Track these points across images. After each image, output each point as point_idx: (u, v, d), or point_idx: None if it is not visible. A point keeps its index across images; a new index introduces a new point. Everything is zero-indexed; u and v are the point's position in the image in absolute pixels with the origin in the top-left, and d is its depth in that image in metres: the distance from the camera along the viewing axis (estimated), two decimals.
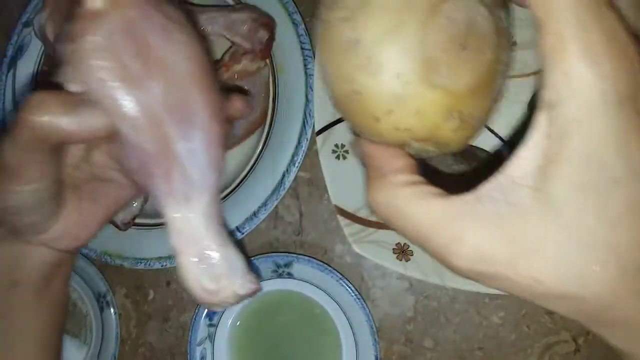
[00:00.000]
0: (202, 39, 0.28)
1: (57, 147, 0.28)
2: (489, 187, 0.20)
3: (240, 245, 0.29)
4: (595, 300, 0.19)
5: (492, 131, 0.42)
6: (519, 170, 0.19)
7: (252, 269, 0.30)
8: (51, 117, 0.25)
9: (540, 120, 0.19)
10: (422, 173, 0.24)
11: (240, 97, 0.31)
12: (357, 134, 0.26)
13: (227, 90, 0.31)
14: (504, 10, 0.23)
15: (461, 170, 0.38)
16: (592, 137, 0.18)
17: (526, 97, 0.41)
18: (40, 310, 0.33)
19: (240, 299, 0.29)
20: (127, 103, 0.25)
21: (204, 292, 0.28)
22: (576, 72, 0.18)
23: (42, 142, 0.26)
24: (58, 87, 0.27)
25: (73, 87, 0.27)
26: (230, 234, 0.29)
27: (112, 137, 0.26)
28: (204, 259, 0.28)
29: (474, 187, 0.21)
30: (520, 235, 0.19)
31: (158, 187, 0.27)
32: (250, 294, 0.29)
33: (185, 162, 0.27)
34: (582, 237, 0.19)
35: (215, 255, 0.28)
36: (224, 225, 0.29)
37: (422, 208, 0.22)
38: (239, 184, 0.45)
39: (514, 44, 0.31)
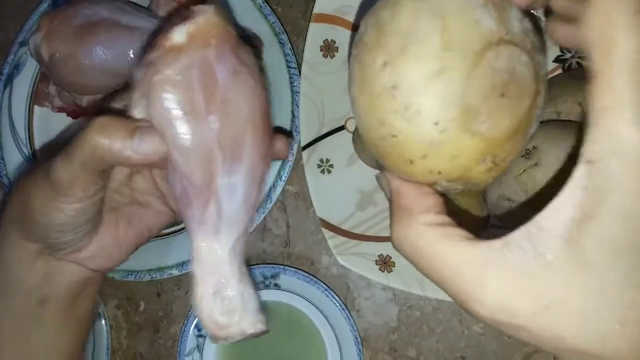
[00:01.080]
0: (265, 88, 0.30)
1: (109, 169, 0.30)
2: (518, 236, 0.20)
3: (255, 285, 0.30)
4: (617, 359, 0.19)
5: None
6: (552, 221, 0.19)
7: (264, 310, 0.30)
8: (112, 140, 0.27)
9: (579, 173, 0.19)
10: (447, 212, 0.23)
11: (283, 138, 0.32)
12: (381, 167, 0.26)
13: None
14: (543, 55, 0.23)
15: (454, 190, 0.39)
16: (632, 197, 0.18)
17: None
18: (67, 327, 0.34)
19: (246, 337, 0.29)
20: (186, 134, 0.27)
21: (214, 324, 0.29)
22: (624, 133, 0.18)
23: (98, 163, 0.28)
24: (118, 112, 0.29)
25: (136, 113, 0.28)
26: (250, 273, 0.30)
27: (162, 164, 0.28)
28: (221, 291, 0.28)
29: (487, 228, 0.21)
30: (545, 288, 0.19)
31: (193, 215, 0.28)
32: (257, 335, 0.30)
33: (223, 196, 0.28)
34: (609, 295, 0.18)
35: (232, 290, 0.28)
36: (246, 263, 0.30)
37: (448, 250, 0.22)
38: None
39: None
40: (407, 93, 0.21)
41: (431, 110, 0.21)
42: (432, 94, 0.21)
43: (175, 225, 0.47)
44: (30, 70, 0.50)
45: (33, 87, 0.50)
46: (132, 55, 0.42)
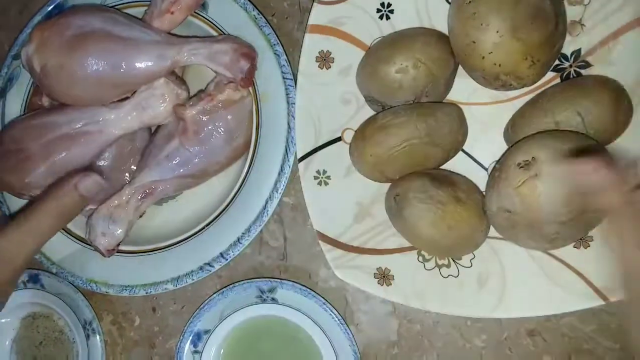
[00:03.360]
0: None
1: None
2: None
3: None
4: None
5: (470, 156, 0.43)
6: None
7: None
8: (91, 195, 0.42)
9: None
10: None
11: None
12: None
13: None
14: (561, 4, 0.38)
15: (439, 195, 0.39)
16: None
17: (502, 123, 0.42)
18: None
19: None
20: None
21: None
22: None
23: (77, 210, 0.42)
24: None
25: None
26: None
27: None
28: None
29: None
30: None
31: None
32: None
33: None
34: None
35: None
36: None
37: None
38: (223, 210, 0.46)
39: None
40: (482, 16, 0.36)
41: (494, 24, 0.36)
42: (496, 17, 0.36)
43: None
44: (23, 83, 0.49)
45: (27, 100, 0.49)
46: (124, 66, 0.41)
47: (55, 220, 0.41)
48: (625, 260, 0.28)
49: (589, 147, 0.35)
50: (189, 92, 0.46)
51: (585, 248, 0.40)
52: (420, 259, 0.43)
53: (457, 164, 0.43)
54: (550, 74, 0.41)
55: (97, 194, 0.42)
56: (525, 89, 0.40)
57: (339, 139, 0.44)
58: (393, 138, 0.39)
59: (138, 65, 0.42)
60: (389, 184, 0.42)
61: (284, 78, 0.44)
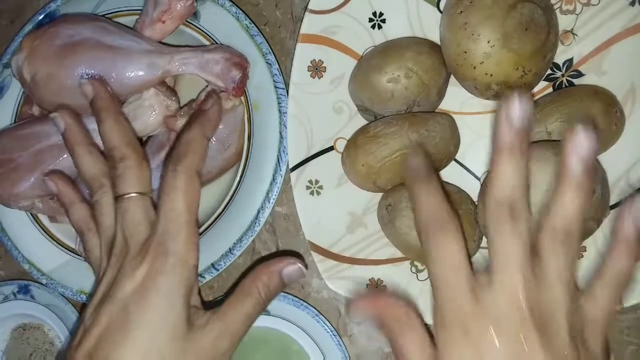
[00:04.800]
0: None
1: None
2: None
3: None
4: None
5: (462, 165, 0.43)
6: None
7: None
8: None
9: None
10: None
11: None
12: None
13: None
14: (553, 13, 0.38)
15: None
16: None
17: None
18: None
19: None
20: None
21: None
22: None
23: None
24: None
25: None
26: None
27: None
28: None
29: None
30: None
31: None
32: None
33: None
34: None
35: None
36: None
37: None
38: (214, 220, 0.45)
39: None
40: (473, 26, 0.36)
41: (486, 34, 0.36)
42: (487, 26, 0.36)
43: None
44: (14, 92, 0.49)
45: (17, 109, 0.49)
46: (114, 76, 0.41)
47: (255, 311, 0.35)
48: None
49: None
50: (179, 103, 0.46)
51: (579, 258, 0.39)
52: (413, 269, 0.42)
53: (449, 174, 0.42)
54: (542, 84, 0.41)
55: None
56: None
57: (331, 149, 0.44)
58: (385, 148, 0.39)
59: (128, 74, 0.42)
60: (382, 193, 0.42)
61: (275, 87, 0.44)
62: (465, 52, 0.36)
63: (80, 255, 0.46)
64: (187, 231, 0.34)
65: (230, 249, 0.44)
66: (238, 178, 0.45)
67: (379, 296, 0.30)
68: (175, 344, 0.32)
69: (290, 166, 0.43)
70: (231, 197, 0.45)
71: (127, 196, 0.35)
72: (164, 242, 0.33)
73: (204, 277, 0.45)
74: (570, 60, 0.41)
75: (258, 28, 0.45)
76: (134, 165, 0.36)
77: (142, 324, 0.31)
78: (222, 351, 0.34)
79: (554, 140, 0.37)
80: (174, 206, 0.34)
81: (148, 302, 0.32)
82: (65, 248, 0.48)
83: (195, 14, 0.46)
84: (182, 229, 0.33)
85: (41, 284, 0.50)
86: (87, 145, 0.39)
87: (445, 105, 0.43)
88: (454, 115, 0.42)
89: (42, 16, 0.49)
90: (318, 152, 0.44)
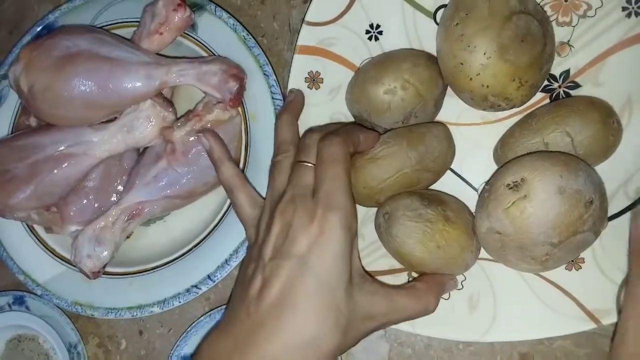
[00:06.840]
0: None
1: None
2: None
3: None
4: None
5: (459, 176, 0.43)
6: None
7: None
8: None
9: None
10: None
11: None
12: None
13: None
14: (549, 25, 0.38)
15: (428, 213, 0.38)
16: None
17: (491, 143, 0.41)
18: None
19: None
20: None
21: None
22: None
23: None
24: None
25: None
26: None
27: None
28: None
29: None
30: None
31: None
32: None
33: None
34: None
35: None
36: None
37: None
38: (211, 231, 0.45)
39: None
40: (469, 37, 0.36)
41: (482, 46, 0.36)
42: (483, 38, 0.35)
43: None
44: (11, 103, 0.49)
45: (14, 120, 0.49)
46: (111, 87, 0.41)
47: None
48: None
49: None
50: (176, 114, 0.46)
51: (577, 270, 0.39)
52: (411, 280, 0.42)
53: (447, 184, 0.42)
54: (539, 95, 0.41)
55: (83, 215, 0.41)
56: (515, 110, 0.40)
57: None
58: (386, 170, 0.39)
59: (125, 85, 0.42)
60: None
61: (273, 98, 0.44)
62: (462, 64, 0.36)
63: (75, 267, 0.45)
64: (350, 197, 0.36)
65: (226, 260, 0.44)
66: None
67: None
68: (348, 300, 0.34)
69: None
70: (227, 208, 0.45)
71: (305, 163, 0.38)
72: (331, 205, 0.35)
73: (199, 289, 0.44)
74: (567, 72, 0.41)
75: (255, 40, 0.45)
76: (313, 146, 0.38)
77: (321, 279, 0.33)
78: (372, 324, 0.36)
79: (551, 152, 0.37)
80: (337, 174, 0.36)
81: (325, 258, 0.34)
82: (61, 259, 0.48)
83: (192, 26, 0.46)
84: (345, 193, 0.36)
85: (36, 295, 0.49)
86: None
87: (442, 116, 0.43)
88: (451, 127, 0.42)
89: (40, 27, 0.49)
90: None
